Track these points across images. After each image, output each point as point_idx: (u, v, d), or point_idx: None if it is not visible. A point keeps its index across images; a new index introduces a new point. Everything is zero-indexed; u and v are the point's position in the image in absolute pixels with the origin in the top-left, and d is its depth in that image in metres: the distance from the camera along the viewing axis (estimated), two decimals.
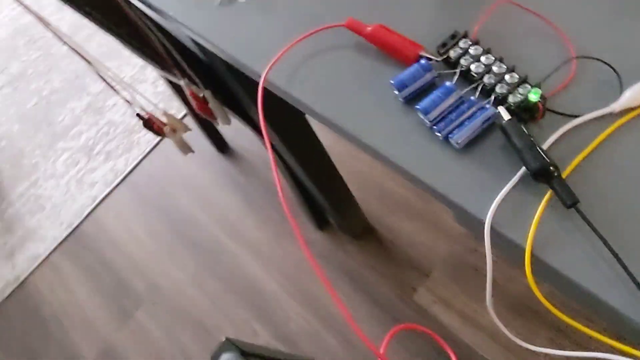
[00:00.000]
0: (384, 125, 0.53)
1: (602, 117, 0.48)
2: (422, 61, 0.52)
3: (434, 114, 0.50)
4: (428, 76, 0.52)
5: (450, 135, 0.49)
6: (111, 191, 1.68)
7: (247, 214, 1.50)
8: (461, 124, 0.50)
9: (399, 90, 0.52)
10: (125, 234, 1.61)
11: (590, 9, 0.54)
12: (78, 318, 1.52)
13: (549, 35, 0.54)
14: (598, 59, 0.50)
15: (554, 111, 0.49)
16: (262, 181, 1.55)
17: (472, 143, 0.50)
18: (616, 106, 0.47)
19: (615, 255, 0.41)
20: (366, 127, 0.54)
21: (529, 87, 0.49)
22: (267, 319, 1.36)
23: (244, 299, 1.40)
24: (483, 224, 0.45)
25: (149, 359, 1.40)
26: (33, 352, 1.51)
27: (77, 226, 1.66)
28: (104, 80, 0.86)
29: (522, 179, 0.47)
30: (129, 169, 1.69)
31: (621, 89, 0.48)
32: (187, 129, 0.91)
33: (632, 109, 0.47)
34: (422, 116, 0.50)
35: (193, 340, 1.38)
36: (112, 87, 0.89)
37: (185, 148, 0.91)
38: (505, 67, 0.51)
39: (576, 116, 0.48)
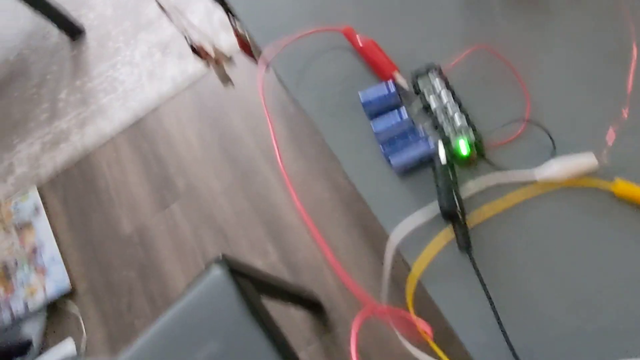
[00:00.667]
0: (345, 128, 0.61)
1: (525, 182, 0.53)
2: (391, 83, 0.59)
3: (385, 135, 0.57)
4: (392, 99, 0.59)
5: (390, 157, 0.56)
6: (177, 93, 1.83)
7: (288, 145, 1.61)
8: (403, 150, 0.56)
9: (364, 106, 0.59)
10: (179, 135, 1.77)
11: (556, 77, 0.58)
12: (125, 196, 1.73)
13: (514, 89, 0.58)
14: (542, 128, 0.55)
15: (489, 162, 0.55)
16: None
17: (409, 170, 0.57)
18: (538, 174, 0.52)
19: (490, 302, 0.48)
20: (331, 127, 0.61)
21: (472, 134, 0.55)
22: (280, 244, 1.50)
23: (264, 221, 1.54)
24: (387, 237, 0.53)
25: (172, 246, 1.60)
26: (85, 214, 1.75)
27: (142, 116, 1.83)
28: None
29: (436, 216, 0.54)
30: (197, 76, 1.83)
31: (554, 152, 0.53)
32: (230, 62, 0.99)
33: (552, 183, 0.52)
34: (374, 134, 0.58)
35: (212, 243, 1.55)
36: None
37: (226, 80, 1.01)
38: (458, 109, 0.57)
39: (506, 170, 0.54)
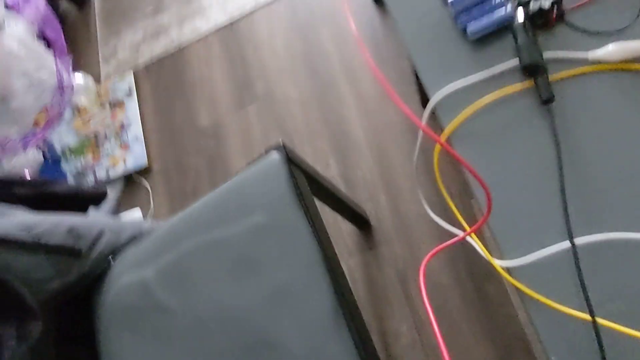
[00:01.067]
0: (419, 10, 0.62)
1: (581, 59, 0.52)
2: None
3: (461, 5, 0.58)
4: None
5: (467, 24, 0.57)
6: (273, 1, 1.87)
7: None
8: (479, 18, 0.56)
9: None
10: (267, 42, 1.82)
11: None
12: (208, 91, 1.82)
13: None
14: None
15: (567, 23, 0.54)
16: (396, 40, 1.63)
17: (484, 37, 0.57)
18: (592, 54, 0.51)
19: (559, 162, 0.49)
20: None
21: None
22: (342, 158, 1.54)
23: (332, 135, 1.58)
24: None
25: (241, 143, 1.69)
26: (170, 102, 1.87)
27: (236, 20, 1.90)
28: None
29: (488, 78, 0.55)
30: None
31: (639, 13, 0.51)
32: None
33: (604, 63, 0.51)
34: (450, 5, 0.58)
35: None
36: None
37: None
38: None
39: (587, 31, 0.52)
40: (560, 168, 0.47)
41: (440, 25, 0.58)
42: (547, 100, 0.50)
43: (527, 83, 0.52)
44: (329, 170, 1.53)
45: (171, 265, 0.94)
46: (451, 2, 0.56)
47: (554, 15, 0.53)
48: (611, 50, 0.51)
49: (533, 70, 0.51)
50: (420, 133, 0.55)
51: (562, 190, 0.46)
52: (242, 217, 0.97)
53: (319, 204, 1.03)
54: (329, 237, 0.94)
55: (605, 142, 0.48)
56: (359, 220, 1.42)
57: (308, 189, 1.02)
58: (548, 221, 0.47)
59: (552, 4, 0.54)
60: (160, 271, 0.94)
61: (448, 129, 0.52)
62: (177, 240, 0.97)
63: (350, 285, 0.85)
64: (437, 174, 0.53)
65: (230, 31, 1.89)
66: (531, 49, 0.51)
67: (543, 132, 0.50)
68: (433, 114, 0.55)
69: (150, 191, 1.71)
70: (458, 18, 0.56)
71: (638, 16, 0.51)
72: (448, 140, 0.53)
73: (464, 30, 0.57)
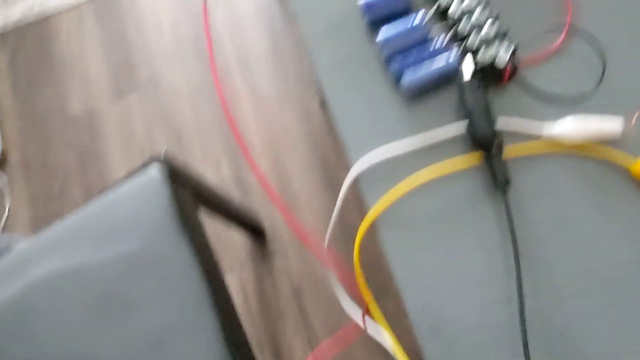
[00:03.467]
0: (337, 41, 0.50)
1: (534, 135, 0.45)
2: None
3: (392, 47, 0.47)
4: (400, 3, 0.47)
5: (403, 75, 0.47)
6: None
7: (269, 62, 1.48)
8: (417, 66, 0.46)
9: (366, 10, 0.47)
10: (152, 19, 1.60)
11: None
12: (80, 73, 1.57)
13: None
14: (589, 36, 0.46)
15: (520, 81, 0.47)
16: (296, 38, 1.50)
17: (422, 92, 0.48)
18: (547, 129, 0.44)
19: (517, 263, 0.40)
20: (319, 32, 0.50)
21: (505, 44, 0.46)
22: (235, 160, 1.40)
23: (224, 133, 1.43)
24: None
25: (120, 138, 1.47)
26: (32, 81, 1.59)
27: None
28: None
29: (419, 149, 0.44)
30: None
31: (601, 81, 0.44)
32: None
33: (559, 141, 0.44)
34: (380, 45, 0.46)
35: (164, 144, 1.44)
36: None
37: None
38: (488, 13, 0.46)
39: (542, 93, 0.45)
40: (519, 277, 0.37)
41: (368, 70, 0.46)
42: (502, 185, 0.40)
43: (476, 156, 0.41)
44: (220, 171, 1.38)
45: (13, 299, 0.75)
46: (379, 42, 0.44)
47: (508, 72, 0.42)
48: (570, 126, 0.44)
49: (484, 143, 0.40)
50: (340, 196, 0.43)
51: (521, 311, 0.36)
52: (110, 243, 0.82)
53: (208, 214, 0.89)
54: (218, 269, 0.81)
55: (564, 243, 0.40)
56: (253, 229, 1.30)
57: (194, 208, 0.88)
58: (499, 339, 0.37)
59: (510, 56, 0.44)
60: None
61: (374, 211, 0.40)
62: (26, 266, 0.78)
63: (243, 299, 0.73)
64: (356, 259, 0.41)
65: (107, 2, 1.64)
66: (483, 115, 0.42)
67: (494, 224, 0.40)
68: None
69: (4, 190, 1.45)
70: (389, 64, 0.44)
71: (601, 81, 0.45)
72: (374, 224, 0.42)
73: (398, 80, 0.46)
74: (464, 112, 0.44)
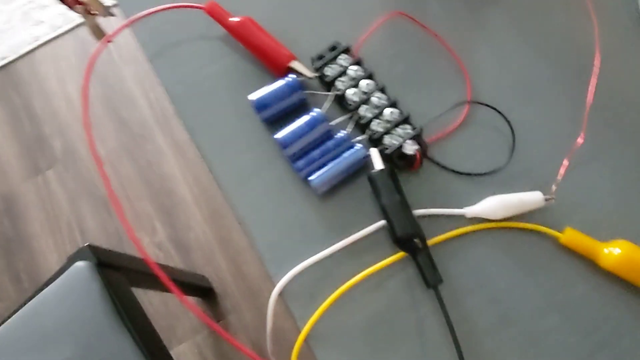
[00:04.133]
0: (235, 144, 0.47)
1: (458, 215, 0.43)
2: (290, 77, 0.45)
3: (295, 147, 0.43)
4: (295, 97, 0.45)
5: (310, 178, 0.43)
6: (56, 37, 1.57)
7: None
8: (324, 164, 0.43)
9: (259, 111, 0.45)
10: (58, 87, 1.52)
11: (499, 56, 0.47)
12: None
13: (445, 65, 0.48)
14: (499, 112, 0.45)
15: (434, 161, 0.45)
16: None
17: (336, 189, 0.45)
18: (469, 212, 0.42)
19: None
20: (215, 140, 0.47)
21: (409, 128, 0.43)
22: (170, 221, 1.34)
23: (153, 194, 1.37)
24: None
25: (44, 218, 1.39)
26: None
27: (12, 61, 1.55)
28: None
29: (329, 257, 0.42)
30: (80, 20, 1.57)
31: (511, 155, 0.43)
32: (107, 13, 0.81)
33: (486, 220, 0.42)
34: (281, 146, 0.44)
35: (92, 216, 1.36)
36: None
37: (98, 34, 0.82)
38: (387, 99, 0.45)
39: (457, 172, 0.44)
40: None
41: (277, 174, 0.44)
42: (433, 284, 0.39)
43: (400, 255, 0.40)
44: (156, 236, 1.32)
45: None
46: (280, 143, 0.42)
47: (418, 158, 0.42)
48: (491, 206, 0.42)
49: (405, 244, 0.39)
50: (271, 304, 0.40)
51: None
52: (42, 355, 0.75)
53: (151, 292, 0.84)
54: (162, 349, 0.77)
55: (505, 326, 0.40)
56: (201, 291, 1.25)
57: (130, 294, 0.83)
58: None
59: (416, 141, 0.43)
60: None
61: (304, 330, 0.38)
62: None
63: None
64: None
65: (7, 76, 1.54)
66: (399, 214, 0.41)
67: (431, 320, 0.40)
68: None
69: None
70: (295, 165, 0.42)
71: (508, 161, 0.44)
72: (306, 341, 0.39)
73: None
74: (380, 209, 0.42)
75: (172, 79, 0.50)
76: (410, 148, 0.42)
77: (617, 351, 0.39)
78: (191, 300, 1.27)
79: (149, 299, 1.28)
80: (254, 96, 0.46)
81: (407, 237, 0.40)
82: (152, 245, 1.32)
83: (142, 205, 1.37)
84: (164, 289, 1.12)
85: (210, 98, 0.49)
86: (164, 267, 1.15)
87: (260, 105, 0.45)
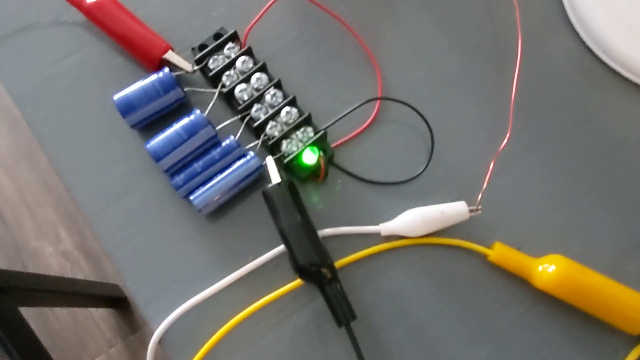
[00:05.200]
0: (98, 157, 0.38)
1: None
2: (163, 71, 0.36)
3: (171, 159, 0.35)
4: (170, 96, 0.36)
5: (190, 197, 0.35)
6: None
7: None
8: (209, 179, 0.35)
9: (124, 114, 0.36)
10: None
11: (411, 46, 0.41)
12: None
13: (354, 52, 0.41)
14: (415, 109, 0.38)
15: (341, 168, 0.38)
16: None
17: (226, 208, 0.37)
18: (385, 229, 0.35)
19: None
20: (73, 153, 0.38)
21: (311, 131, 0.36)
22: (76, 226, 1.22)
23: (56, 198, 1.24)
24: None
25: None
26: None
27: None
28: None
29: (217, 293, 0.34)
30: None
31: (430, 159, 0.37)
32: None
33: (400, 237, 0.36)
34: (154, 160, 0.35)
35: None
36: None
37: None
38: (283, 96, 0.37)
39: (369, 181, 0.37)
40: None
41: (157, 196, 0.36)
42: (345, 324, 0.33)
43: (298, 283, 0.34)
44: (62, 244, 1.20)
45: None
46: (152, 156, 0.33)
47: (323, 168, 0.36)
48: (410, 222, 0.36)
49: (310, 276, 0.32)
50: None
51: None
52: None
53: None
54: None
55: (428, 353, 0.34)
56: (113, 301, 1.15)
57: (17, 315, 0.73)
58: None
59: (319, 149, 0.36)
60: None
61: None
62: None
63: None
64: None
65: None
66: (300, 242, 0.34)
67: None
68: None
69: None
70: (173, 181, 0.34)
71: (427, 166, 0.38)
72: None
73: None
74: (279, 233, 0.34)
75: (15, 77, 0.39)
76: (312, 156, 0.35)
77: None
78: (102, 312, 1.17)
79: (54, 314, 1.16)
80: (118, 96, 0.36)
81: (312, 266, 0.33)
82: (57, 255, 1.20)
83: (44, 212, 1.23)
84: (72, 304, 1.01)
85: (66, 99, 0.39)
86: (65, 280, 1.03)
87: (125, 108, 0.36)
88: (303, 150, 0.35)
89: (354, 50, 0.41)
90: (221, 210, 0.37)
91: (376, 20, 0.42)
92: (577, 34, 0.42)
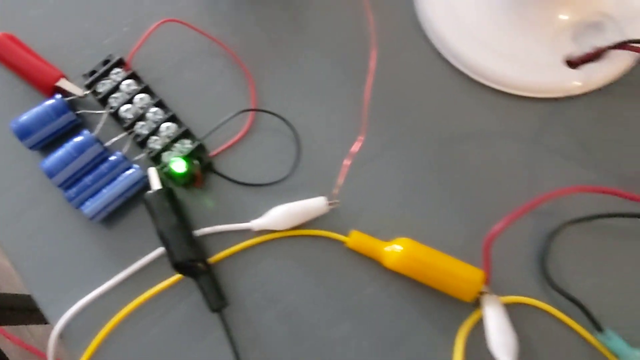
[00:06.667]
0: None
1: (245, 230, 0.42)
2: (56, 97, 0.41)
3: (63, 175, 0.40)
4: (63, 119, 0.41)
5: (82, 207, 0.40)
6: None
7: None
8: (98, 190, 0.40)
9: (21, 138, 0.41)
10: None
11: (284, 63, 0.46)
12: None
13: (230, 69, 0.46)
14: (282, 118, 0.44)
15: (220, 174, 0.43)
16: None
17: (115, 214, 0.42)
18: (256, 225, 0.41)
19: None
20: None
21: (188, 143, 0.41)
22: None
23: None
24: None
25: None
26: None
27: None
28: None
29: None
30: None
31: (297, 162, 0.43)
32: None
33: (270, 231, 0.41)
34: (47, 175, 0.40)
35: None
36: None
37: None
38: (163, 113, 0.42)
39: (243, 183, 0.43)
40: None
41: (56, 209, 0.42)
42: (218, 309, 0.38)
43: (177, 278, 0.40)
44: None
45: None
46: (45, 173, 0.38)
47: (199, 175, 0.41)
48: (277, 217, 0.41)
49: (185, 270, 0.38)
50: None
51: None
52: None
53: None
54: None
55: (297, 341, 0.39)
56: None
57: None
58: None
59: (191, 159, 0.41)
60: None
61: None
62: None
63: None
64: None
65: None
66: (176, 240, 0.38)
67: (222, 345, 0.38)
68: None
69: None
70: (66, 194, 0.39)
71: (294, 169, 0.43)
72: None
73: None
74: (158, 234, 0.39)
75: None
76: (182, 165, 0.40)
77: (409, 348, 0.39)
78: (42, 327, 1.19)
79: (30, 332, 1.19)
80: (15, 122, 0.41)
81: (187, 261, 0.38)
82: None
83: None
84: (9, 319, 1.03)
85: None
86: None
87: (22, 132, 0.41)
88: (172, 161, 0.40)
89: (232, 69, 0.46)
90: (113, 216, 0.42)
91: (253, 42, 0.47)
92: (430, 43, 0.47)
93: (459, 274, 0.39)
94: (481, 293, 0.39)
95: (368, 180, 0.43)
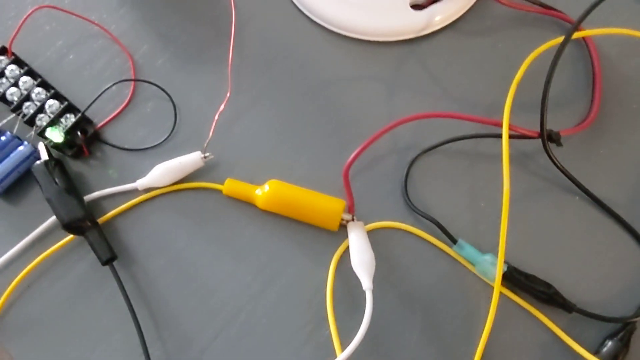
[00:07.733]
0: None
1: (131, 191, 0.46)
2: None
3: None
4: None
5: None
6: None
7: None
8: None
9: None
10: None
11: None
12: None
13: (108, 45, 0.50)
14: (158, 86, 0.48)
15: (107, 143, 0.47)
16: None
17: (13, 188, 0.46)
18: (140, 184, 0.45)
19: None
20: None
21: (72, 117, 0.46)
22: None
23: None
24: None
25: None
26: None
27: None
28: None
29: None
30: None
31: (175, 124, 0.47)
32: None
33: (155, 189, 0.45)
34: None
35: None
36: None
37: None
38: (46, 92, 0.46)
39: (129, 149, 0.47)
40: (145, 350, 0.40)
41: None
42: (108, 261, 0.42)
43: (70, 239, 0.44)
44: None
45: None
46: None
47: (84, 145, 0.46)
48: (158, 174, 0.45)
49: (74, 229, 0.43)
50: None
51: None
52: None
53: None
54: None
55: (177, 275, 0.44)
56: None
57: None
58: None
59: (81, 131, 0.46)
60: None
61: None
62: None
63: None
64: None
65: None
66: (62, 203, 0.43)
67: (118, 296, 0.42)
68: None
69: None
70: None
71: (172, 131, 0.48)
72: None
73: None
74: (49, 203, 0.43)
75: None
76: (57, 135, 0.44)
77: (284, 282, 0.43)
78: None
79: None
80: None
81: (74, 221, 0.42)
82: None
83: None
84: None
85: None
86: None
87: None
88: (50, 132, 0.44)
89: (111, 48, 0.50)
90: (11, 191, 0.45)
91: (128, 21, 0.51)
92: (288, 1, 0.51)
93: (321, 205, 0.43)
94: (347, 221, 0.43)
95: (241, 133, 0.47)
